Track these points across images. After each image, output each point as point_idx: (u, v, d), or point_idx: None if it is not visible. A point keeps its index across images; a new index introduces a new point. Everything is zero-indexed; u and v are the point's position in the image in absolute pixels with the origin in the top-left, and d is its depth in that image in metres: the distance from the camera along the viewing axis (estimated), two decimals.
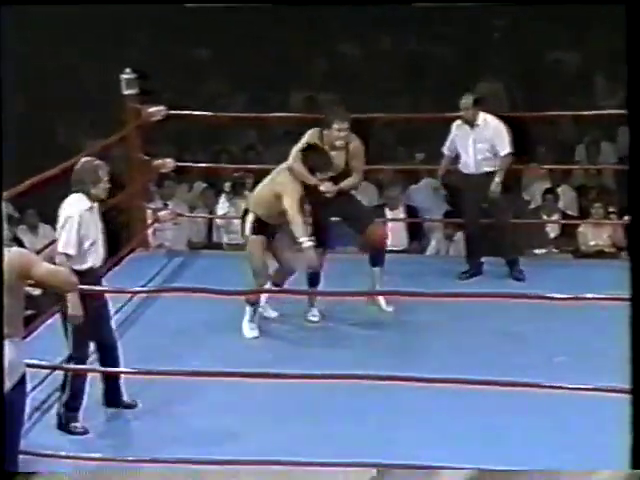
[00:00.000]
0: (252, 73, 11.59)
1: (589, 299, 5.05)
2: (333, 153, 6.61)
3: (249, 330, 6.59)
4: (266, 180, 6.65)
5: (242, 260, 6.60)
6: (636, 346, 3.62)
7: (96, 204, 5.40)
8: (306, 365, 5.55)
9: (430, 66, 11.86)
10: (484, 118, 7.46)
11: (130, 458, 4.91)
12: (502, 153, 7.46)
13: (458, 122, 7.55)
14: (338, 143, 6.61)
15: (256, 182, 7.82)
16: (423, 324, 6.60)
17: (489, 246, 7.81)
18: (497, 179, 7.45)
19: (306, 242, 6.32)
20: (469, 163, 7.53)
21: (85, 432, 5.28)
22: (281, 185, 6.45)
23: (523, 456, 4.89)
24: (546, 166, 9.58)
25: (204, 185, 9.99)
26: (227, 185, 9.42)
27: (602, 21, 10.41)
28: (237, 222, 8.08)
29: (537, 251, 8.92)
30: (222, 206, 9.37)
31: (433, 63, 11.90)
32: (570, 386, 4.75)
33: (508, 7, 10.90)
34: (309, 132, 6.76)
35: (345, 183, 6.70)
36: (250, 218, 6.53)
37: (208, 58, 12.31)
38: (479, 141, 7.46)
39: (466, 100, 7.44)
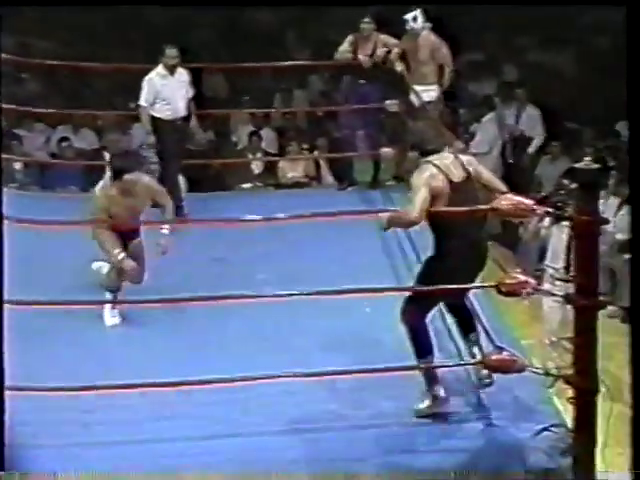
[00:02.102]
0: None
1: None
2: None
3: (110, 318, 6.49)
4: None
5: None
6: (636, 346, 3.73)
7: None
8: None
9: (137, 25, 12.23)
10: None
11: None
12: (191, 95, 8.33)
13: (159, 71, 8.15)
14: None
15: None
16: None
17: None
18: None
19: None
20: (178, 108, 8.22)
21: None
22: None
23: None
24: (248, 110, 10.68)
25: None
26: None
27: None
28: None
29: (244, 185, 9.94)
30: None
31: (140, 23, 12.27)
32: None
33: None
34: None
35: None
36: None
37: None
38: (182, 87, 8.24)
39: (173, 50, 8.17)
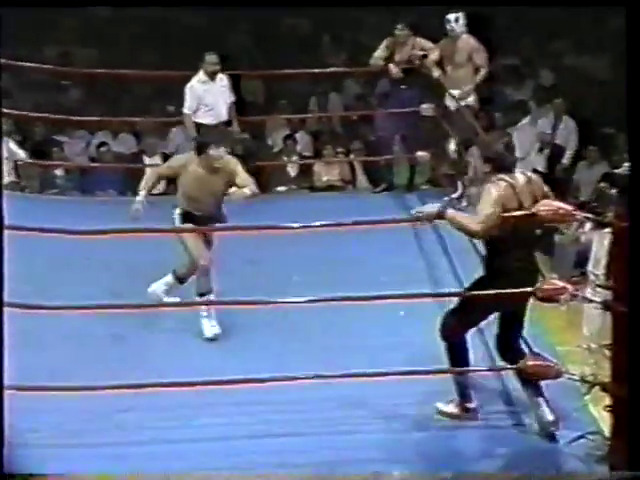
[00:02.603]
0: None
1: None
2: None
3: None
4: None
5: None
6: (636, 344, 3.86)
7: None
8: None
9: (175, 30, 12.26)
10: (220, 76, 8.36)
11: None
12: (231, 100, 8.47)
13: (200, 78, 8.30)
14: None
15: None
16: None
17: None
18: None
19: None
20: (221, 112, 8.38)
21: None
22: None
23: None
24: (285, 116, 10.70)
25: None
26: None
27: None
28: None
29: (280, 188, 9.92)
30: None
31: (177, 28, 12.30)
32: None
33: None
34: None
35: None
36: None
37: None
38: (224, 92, 8.38)
39: (213, 57, 8.31)
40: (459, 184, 8.60)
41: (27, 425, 4.79)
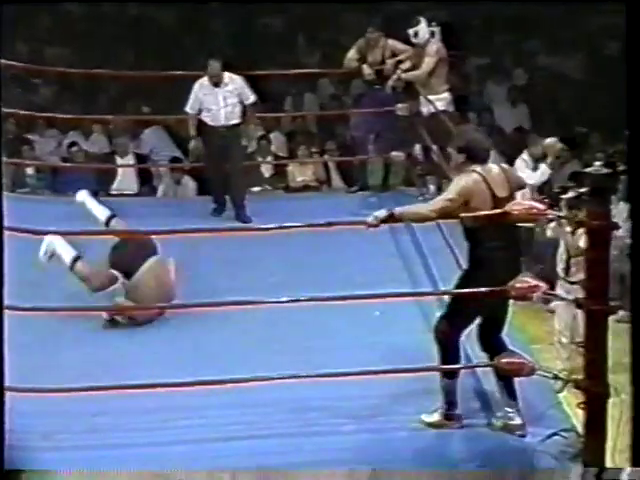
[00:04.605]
0: None
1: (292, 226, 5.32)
2: None
3: None
4: None
5: None
6: (636, 343, 3.85)
7: None
8: None
9: (149, 29, 12.36)
10: (228, 76, 8.42)
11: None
12: (249, 101, 8.55)
13: (203, 82, 8.38)
14: None
15: None
16: None
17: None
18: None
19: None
20: (219, 116, 8.42)
21: None
22: None
23: None
24: (259, 114, 10.59)
25: None
26: None
27: None
28: None
29: (254, 189, 9.84)
30: None
31: (152, 27, 12.41)
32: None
33: None
34: None
35: None
36: None
37: None
38: (229, 97, 8.42)
39: (215, 64, 8.36)
40: (430, 186, 8.66)
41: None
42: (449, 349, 5.01)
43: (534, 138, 9.48)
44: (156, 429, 5.09)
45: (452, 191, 4.88)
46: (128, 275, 6.41)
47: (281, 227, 5.25)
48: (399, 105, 8.85)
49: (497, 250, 4.88)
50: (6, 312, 3.92)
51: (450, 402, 5.08)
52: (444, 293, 5.11)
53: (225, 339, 6.05)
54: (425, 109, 8.67)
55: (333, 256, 7.23)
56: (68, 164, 10.20)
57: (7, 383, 3.82)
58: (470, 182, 4.88)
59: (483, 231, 4.87)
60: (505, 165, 5.29)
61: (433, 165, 8.49)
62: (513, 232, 5.01)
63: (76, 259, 6.47)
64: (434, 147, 8.38)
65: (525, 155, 9.32)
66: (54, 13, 12.28)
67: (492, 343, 5.11)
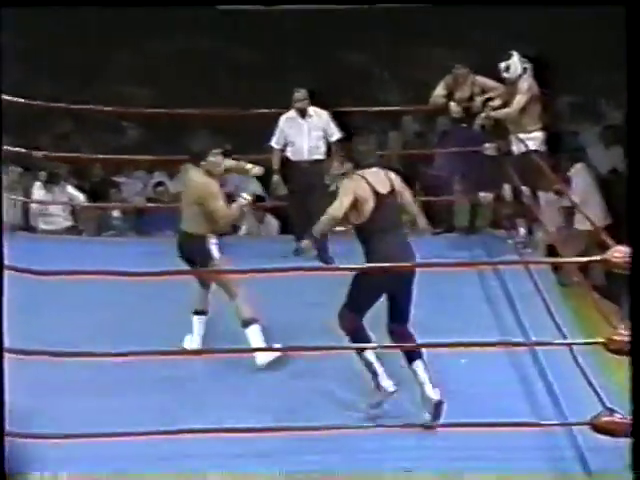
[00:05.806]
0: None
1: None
2: None
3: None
4: None
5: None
6: (636, 341, 3.75)
7: None
8: None
9: (230, 65, 12.19)
10: (314, 109, 8.35)
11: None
12: (334, 138, 8.43)
13: (288, 115, 8.33)
14: None
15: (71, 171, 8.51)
16: None
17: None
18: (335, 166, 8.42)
19: None
20: (302, 151, 8.34)
21: None
22: None
23: None
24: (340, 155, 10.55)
25: (19, 169, 10.14)
26: (43, 174, 9.77)
27: (381, 25, 11.48)
28: (52, 208, 9.21)
29: (338, 229, 9.60)
30: (38, 192, 9.75)
31: (232, 63, 12.25)
32: None
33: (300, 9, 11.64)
34: None
35: None
36: None
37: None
38: (314, 129, 8.36)
39: (302, 90, 8.30)
40: (520, 229, 8.36)
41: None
42: (356, 331, 5.56)
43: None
44: None
45: (343, 193, 5.64)
46: None
47: (363, 268, 5.47)
48: (487, 145, 8.59)
49: (383, 242, 5.56)
50: None
51: (374, 373, 5.58)
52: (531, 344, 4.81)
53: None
54: (516, 148, 8.37)
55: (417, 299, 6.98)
56: (150, 204, 10.25)
57: None
58: (352, 182, 5.69)
59: (368, 225, 5.58)
60: (386, 170, 5.95)
61: (523, 207, 8.21)
62: (394, 225, 5.70)
63: None
64: (524, 188, 8.10)
65: None
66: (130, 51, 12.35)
67: (394, 329, 5.61)
